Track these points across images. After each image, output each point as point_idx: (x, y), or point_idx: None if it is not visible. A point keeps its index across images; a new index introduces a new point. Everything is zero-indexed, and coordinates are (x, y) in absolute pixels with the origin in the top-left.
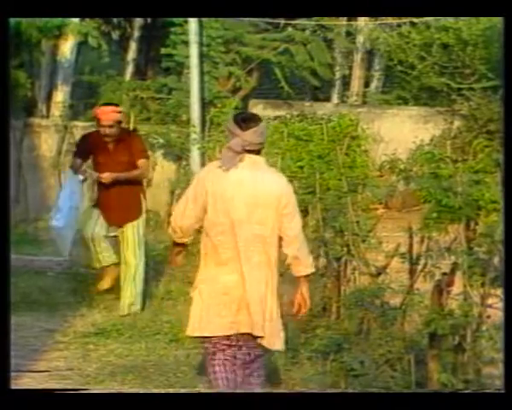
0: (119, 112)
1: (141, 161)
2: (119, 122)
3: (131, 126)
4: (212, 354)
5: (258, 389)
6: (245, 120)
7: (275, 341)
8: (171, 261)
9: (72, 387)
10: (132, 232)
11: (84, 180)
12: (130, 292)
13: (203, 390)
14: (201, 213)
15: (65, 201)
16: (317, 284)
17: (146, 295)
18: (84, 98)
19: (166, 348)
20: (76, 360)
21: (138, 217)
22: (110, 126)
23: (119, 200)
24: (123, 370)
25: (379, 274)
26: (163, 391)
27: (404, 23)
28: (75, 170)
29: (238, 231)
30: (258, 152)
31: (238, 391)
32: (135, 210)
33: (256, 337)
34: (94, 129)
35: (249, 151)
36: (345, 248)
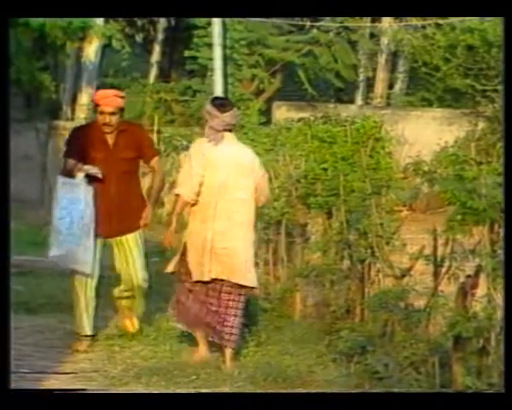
0: (122, 97)
1: (155, 161)
2: (122, 109)
3: (155, 128)
4: (188, 290)
5: (229, 344)
6: (223, 104)
7: (252, 280)
8: (167, 239)
9: (97, 388)
10: (136, 243)
11: (88, 179)
12: (141, 310)
13: (205, 390)
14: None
15: (63, 218)
16: (341, 286)
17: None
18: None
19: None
20: (101, 361)
21: (139, 226)
22: (112, 113)
23: (120, 203)
24: (148, 372)
25: (403, 276)
26: (164, 391)
27: (429, 24)
28: (70, 173)
29: (223, 195)
30: (230, 131)
31: (240, 391)
32: (136, 217)
33: (234, 285)
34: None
35: (225, 130)
36: (369, 251)
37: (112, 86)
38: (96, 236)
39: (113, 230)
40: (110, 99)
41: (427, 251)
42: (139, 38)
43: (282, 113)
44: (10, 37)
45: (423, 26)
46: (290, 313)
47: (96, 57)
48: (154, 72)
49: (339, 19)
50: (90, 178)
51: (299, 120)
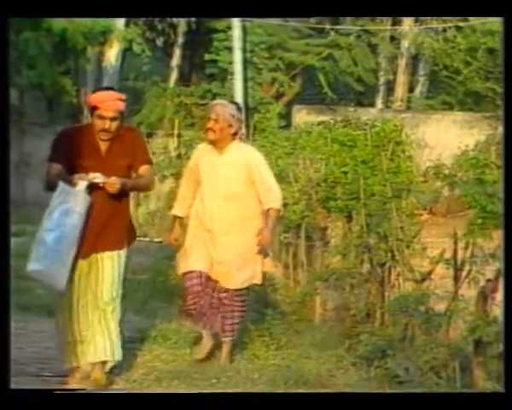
0: (123, 100)
1: (144, 168)
2: (122, 114)
3: (176, 132)
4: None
5: (227, 337)
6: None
7: (240, 280)
8: (173, 236)
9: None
10: (111, 264)
11: (88, 188)
12: (104, 343)
13: (206, 391)
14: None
15: (51, 229)
16: (361, 290)
17: None
18: (129, 105)
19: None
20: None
21: (123, 245)
22: (112, 119)
23: (104, 217)
24: (168, 375)
25: (423, 280)
26: (164, 391)
27: (450, 27)
28: (55, 180)
29: (219, 201)
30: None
31: (242, 391)
32: (123, 234)
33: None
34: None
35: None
36: (389, 254)
37: (133, 90)
38: (79, 253)
39: (90, 247)
40: (111, 103)
41: (448, 255)
42: (159, 41)
43: (302, 116)
44: (32, 41)
45: (444, 29)
46: (310, 316)
47: (117, 61)
48: (174, 75)
49: (359, 22)
50: (91, 189)
51: (319, 123)
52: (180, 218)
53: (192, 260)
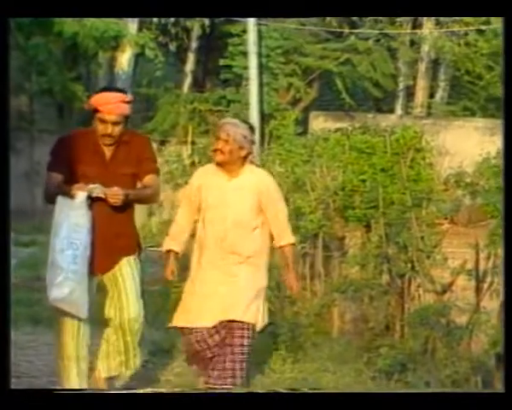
0: (129, 102)
1: (149, 178)
2: (127, 117)
3: (190, 139)
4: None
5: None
6: (252, 127)
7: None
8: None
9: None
10: (130, 271)
11: (90, 202)
12: (134, 361)
13: (203, 390)
14: None
15: (64, 249)
16: (380, 302)
17: None
18: (142, 111)
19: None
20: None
21: (135, 250)
22: (115, 123)
23: (111, 229)
24: (182, 389)
25: (444, 292)
26: (165, 391)
27: (471, 31)
28: (55, 191)
29: (226, 231)
30: None
31: (243, 391)
32: (129, 241)
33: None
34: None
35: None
36: (409, 265)
37: (146, 96)
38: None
39: (102, 264)
40: (114, 106)
41: (469, 266)
42: (173, 46)
43: (319, 123)
44: (42, 46)
45: (465, 33)
46: (327, 329)
47: (129, 67)
48: (187, 81)
49: (378, 26)
50: (92, 201)
51: (337, 130)
52: (177, 253)
53: (195, 314)
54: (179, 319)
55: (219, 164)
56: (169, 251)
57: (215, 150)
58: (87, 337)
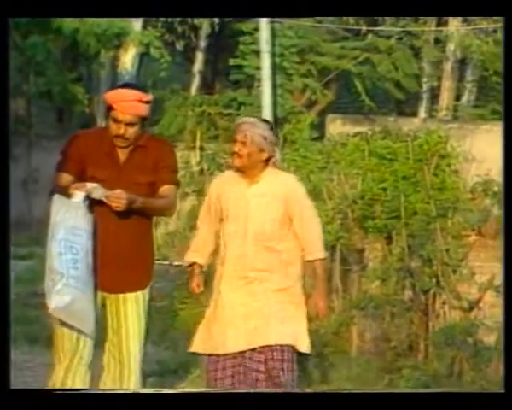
0: (147, 102)
1: (165, 189)
2: (144, 119)
3: (198, 144)
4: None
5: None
6: (272, 127)
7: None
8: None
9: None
10: (136, 308)
11: (89, 203)
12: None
13: (204, 390)
14: None
15: (63, 253)
16: (403, 320)
17: None
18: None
19: None
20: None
21: (148, 283)
22: (130, 124)
23: (123, 247)
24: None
25: (471, 309)
26: (165, 391)
27: (500, 28)
28: (64, 190)
29: (248, 241)
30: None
31: (243, 391)
32: (144, 271)
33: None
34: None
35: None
36: (433, 280)
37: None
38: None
39: (109, 283)
40: (129, 104)
41: (498, 281)
42: (180, 45)
43: (337, 127)
44: (40, 45)
45: (494, 30)
46: (346, 348)
47: (133, 67)
48: (195, 83)
49: (400, 23)
50: (92, 203)
51: (356, 134)
52: (201, 266)
53: (218, 341)
54: (200, 346)
55: (238, 169)
56: (192, 264)
57: (232, 154)
58: (88, 356)
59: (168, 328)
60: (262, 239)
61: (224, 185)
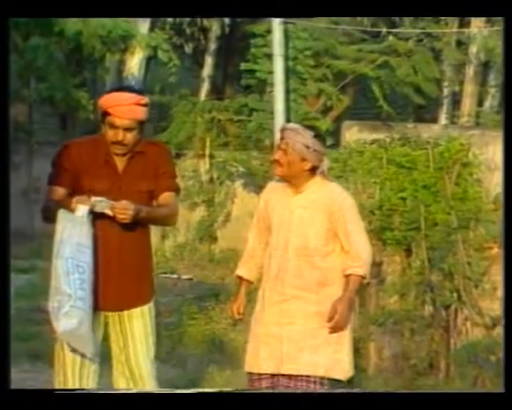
0: (145, 105)
1: (166, 196)
2: (142, 123)
3: (207, 152)
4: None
5: None
6: (320, 134)
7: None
8: (235, 308)
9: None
10: (142, 324)
11: (90, 214)
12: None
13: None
14: None
15: (70, 273)
16: (423, 336)
17: (224, 347)
18: (154, 121)
19: None
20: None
21: (152, 296)
22: (128, 129)
23: (122, 261)
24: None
25: (494, 325)
26: (166, 391)
27: None
28: (56, 207)
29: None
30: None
31: (244, 391)
32: (148, 283)
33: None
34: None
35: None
36: (454, 294)
37: (158, 104)
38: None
39: (112, 300)
40: (126, 108)
41: None
42: (189, 48)
43: (353, 134)
44: (42, 49)
45: None
46: (363, 366)
47: (140, 71)
48: (205, 87)
49: (420, 24)
50: (94, 217)
51: (373, 142)
52: (248, 281)
53: (252, 359)
54: (245, 361)
55: (280, 178)
56: (239, 278)
57: (273, 161)
58: (93, 376)
59: (176, 345)
60: (303, 254)
61: (272, 193)
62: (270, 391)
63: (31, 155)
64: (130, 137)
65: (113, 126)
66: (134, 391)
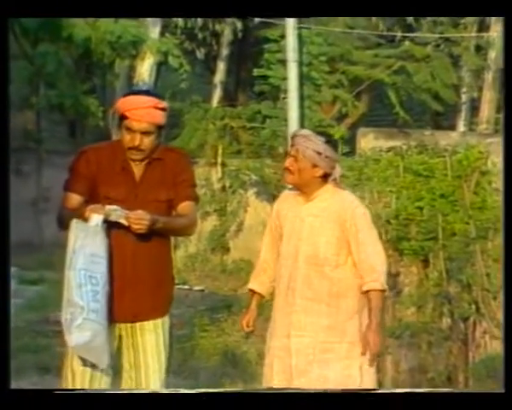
0: (163, 109)
1: (184, 206)
2: (160, 128)
3: (219, 160)
4: None
5: None
6: (331, 141)
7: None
8: (246, 321)
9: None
10: (155, 339)
11: (104, 223)
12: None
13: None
14: None
15: (83, 284)
16: (441, 349)
17: (237, 360)
18: (165, 128)
19: None
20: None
21: (167, 310)
22: (146, 133)
23: (138, 271)
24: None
25: None
26: (164, 391)
27: None
28: (72, 215)
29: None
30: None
31: (244, 391)
32: (165, 296)
33: None
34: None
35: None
36: (473, 307)
37: (169, 111)
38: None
39: (125, 311)
40: (144, 111)
41: None
42: (200, 54)
43: (369, 141)
44: (51, 55)
45: None
46: (379, 379)
47: (150, 77)
48: (217, 94)
49: (437, 28)
50: (108, 226)
51: (390, 149)
52: (260, 295)
53: (267, 372)
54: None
55: (291, 186)
56: (251, 291)
57: (284, 169)
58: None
59: (188, 357)
60: (314, 263)
61: (284, 202)
62: (272, 391)
63: (40, 164)
64: (147, 141)
65: (130, 130)
66: (135, 391)
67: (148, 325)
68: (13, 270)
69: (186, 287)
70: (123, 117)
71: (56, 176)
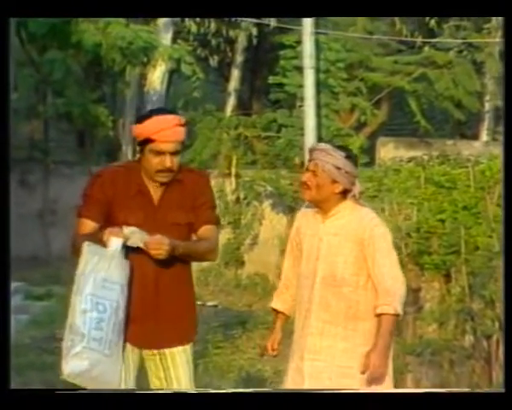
0: (183, 125)
1: (205, 230)
2: (183, 144)
3: (233, 171)
4: None
5: None
6: (352, 155)
7: None
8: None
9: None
10: (185, 359)
11: (123, 247)
12: None
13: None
14: None
15: (88, 310)
16: (463, 368)
17: (251, 378)
18: None
19: None
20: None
21: (194, 335)
22: (174, 153)
23: (160, 297)
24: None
25: None
26: (165, 391)
27: None
28: (89, 239)
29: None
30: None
31: (244, 391)
32: (190, 321)
33: None
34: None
35: None
36: (496, 324)
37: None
38: (125, 341)
39: (148, 338)
40: (170, 131)
41: None
42: (213, 61)
43: (389, 151)
44: (59, 62)
45: None
46: None
47: (162, 85)
48: (231, 102)
49: (460, 34)
50: (128, 250)
51: (410, 159)
52: (283, 314)
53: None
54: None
55: (309, 202)
56: (275, 311)
57: (301, 184)
58: None
59: (201, 375)
60: (331, 284)
61: (303, 218)
62: (275, 391)
63: (47, 175)
64: (176, 161)
65: (158, 153)
66: (136, 391)
67: (177, 349)
68: (19, 285)
69: (199, 303)
70: (148, 141)
71: (64, 187)
